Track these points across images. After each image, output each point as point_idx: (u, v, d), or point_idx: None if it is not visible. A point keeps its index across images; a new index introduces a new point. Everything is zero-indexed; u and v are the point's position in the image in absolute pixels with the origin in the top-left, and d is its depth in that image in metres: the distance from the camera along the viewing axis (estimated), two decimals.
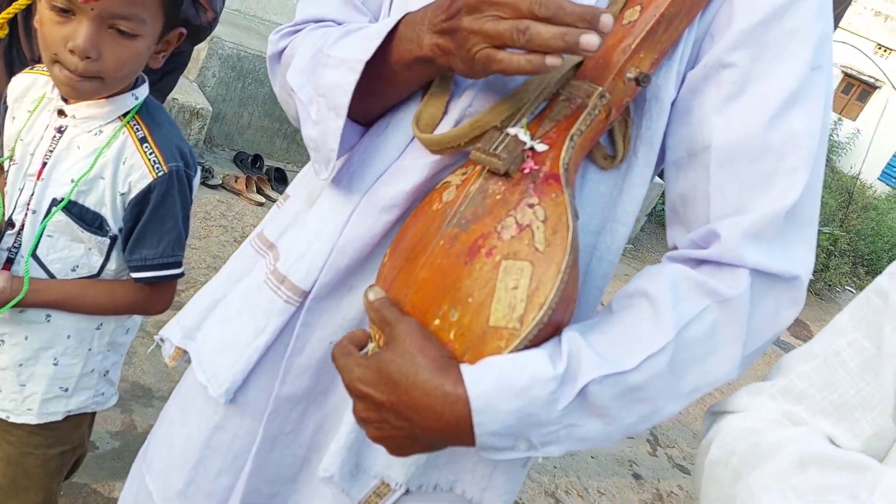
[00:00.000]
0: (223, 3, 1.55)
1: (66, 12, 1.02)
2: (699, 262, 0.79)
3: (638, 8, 0.78)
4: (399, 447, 0.76)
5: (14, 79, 1.24)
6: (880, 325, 0.67)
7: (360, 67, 0.79)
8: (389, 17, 0.93)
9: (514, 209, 0.75)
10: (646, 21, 0.77)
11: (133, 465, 1.09)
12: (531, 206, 0.75)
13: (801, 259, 0.77)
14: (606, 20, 0.66)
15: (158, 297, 1.24)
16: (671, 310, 0.73)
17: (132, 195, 1.15)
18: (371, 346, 0.81)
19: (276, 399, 0.92)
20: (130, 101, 1.15)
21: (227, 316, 0.97)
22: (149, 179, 1.14)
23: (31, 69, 1.23)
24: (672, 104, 0.82)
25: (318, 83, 0.85)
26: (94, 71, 1.05)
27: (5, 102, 1.24)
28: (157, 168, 1.14)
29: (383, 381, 0.72)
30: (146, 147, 1.14)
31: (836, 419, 0.68)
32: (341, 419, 0.91)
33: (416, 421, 0.71)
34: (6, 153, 1.22)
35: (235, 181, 3.89)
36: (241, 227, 3.56)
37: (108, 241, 1.19)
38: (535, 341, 0.71)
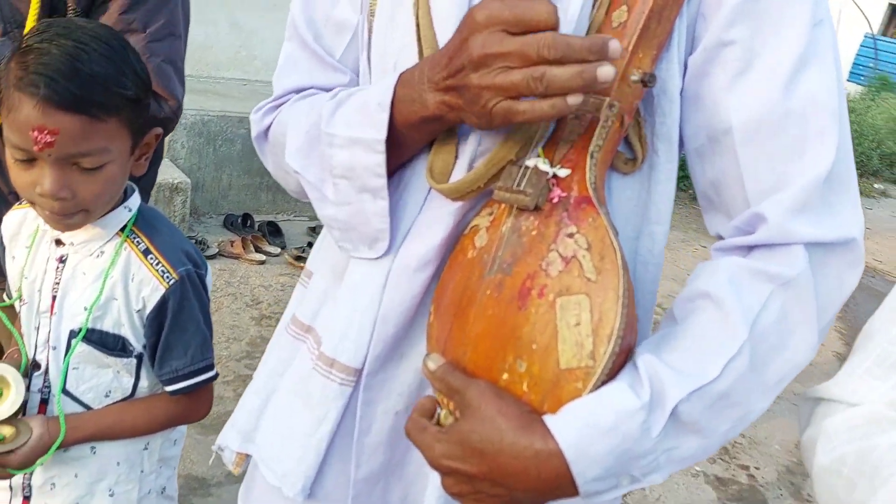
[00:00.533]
0: (184, 88, 1.52)
1: (27, 161, 0.99)
2: (750, 249, 0.76)
3: (624, 8, 0.75)
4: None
5: (5, 217, 1.21)
6: None
7: (381, 147, 0.78)
8: (368, 66, 0.90)
9: (554, 242, 0.72)
10: (636, 20, 0.74)
11: None
12: (571, 235, 0.71)
13: (851, 220, 0.74)
14: (615, 46, 0.64)
15: (197, 404, 1.21)
16: (737, 306, 0.70)
17: (148, 310, 1.12)
18: (442, 412, 0.78)
19: (356, 483, 0.89)
20: (124, 214, 1.12)
21: (282, 411, 0.93)
22: (161, 291, 1.11)
23: (21, 204, 1.20)
24: (680, 93, 0.79)
25: (328, 164, 0.83)
26: (72, 207, 1.02)
27: (1, 242, 1.21)
28: (167, 277, 1.11)
29: (468, 452, 0.69)
30: (151, 258, 1.11)
31: None
32: (426, 484, 0.88)
33: (513, 485, 0.68)
34: (14, 294, 1.19)
35: (231, 245, 3.86)
36: (248, 291, 3.53)
37: (134, 360, 1.16)
38: (612, 374, 0.68)
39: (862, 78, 12.14)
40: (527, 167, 0.75)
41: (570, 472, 0.65)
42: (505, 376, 0.72)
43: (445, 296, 0.81)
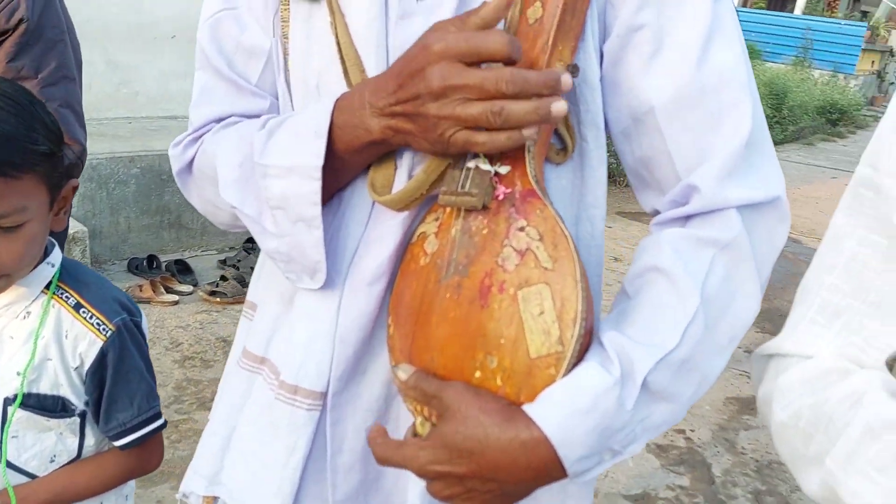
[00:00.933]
0: (85, 131, 1.46)
1: None
2: (686, 219, 0.80)
3: (538, 4, 0.78)
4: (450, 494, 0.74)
5: None
6: (884, 216, 0.70)
7: (318, 174, 0.77)
8: (288, 88, 0.89)
9: (506, 238, 0.74)
10: (552, 14, 0.77)
11: None
12: (521, 229, 0.74)
13: (774, 179, 0.80)
14: (566, 80, 0.68)
15: (149, 454, 1.17)
16: (685, 275, 0.74)
17: (87, 365, 1.07)
18: (418, 420, 0.78)
19: None
20: (48, 270, 1.07)
21: (248, 446, 0.92)
22: (99, 344, 1.07)
23: None
24: (600, 80, 0.83)
25: (265, 195, 0.82)
26: None
27: None
28: (104, 329, 1.07)
29: (455, 454, 0.70)
30: (84, 312, 1.07)
31: (882, 319, 0.70)
32: (405, 495, 0.88)
33: (503, 479, 0.69)
34: None
35: (140, 290, 3.72)
36: (166, 334, 3.41)
37: (77, 419, 1.11)
38: (580, 355, 0.70)
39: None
40: (468, 168, 0.77)
41: (557, 456, 0.67)
42: (477, 374, 0.73)
43: (402, 306, 0.82)
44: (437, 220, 0.81)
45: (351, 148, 0.78)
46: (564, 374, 0.69)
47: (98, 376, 1.08)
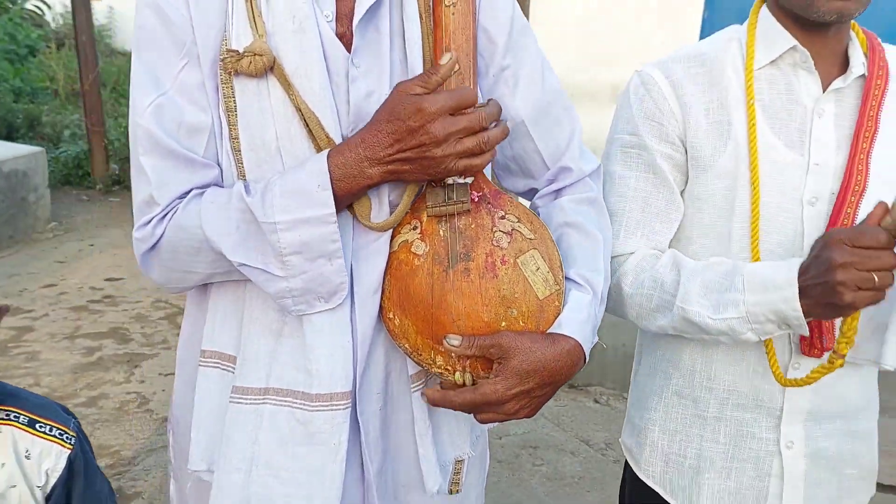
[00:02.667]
0: None
1: None
2: (559, 190, 1.19)
3: (449, 54, 1.07)
4: (540, 406, 1.05)
5: None
6: (650, 162, 1.25)
7: (333, 219, 0.97)
8: (235, 155, 1.03)
9: (494, 226, 1.04)
10: (467, 66, 1.07)
11: None
12: (503, 217, 1.05)
13: (591, 154, 1.24)
14: (500, 107, 1.03)
15: None
16: (587, 223, 1.14)
17: (54, 480, 1.03)
18: (456, 375, 1.04)
19: (375, 478, 1.11)
20: None
21: (284, 464, 1.04)
22: (66, 453, 1.03)
23: None
24: None
25: (275, 248, 0.98)
26: None
27: None
28: (66, 437, 1.04)
29: (525, 376, 0.99)
30: (40, 426, 1.01)
31: (661, 221, 1.24)
32: (413, 447, 1.13)
33: (558, 380, 1.02)
34: None
35: None
36: None
37: None
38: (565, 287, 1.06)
39: None
40: (450, 185, 1.04)
41: (583, 351, 1.03)
42: (503, 324, 1.03)
43: (409, 299, 1.05)
44: (415, 228, 1.06)
45: (349, 193, 0.99)
46: (565, 303, 1.04)
47: (67, 486, 1.04)
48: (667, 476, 1.34)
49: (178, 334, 1.22)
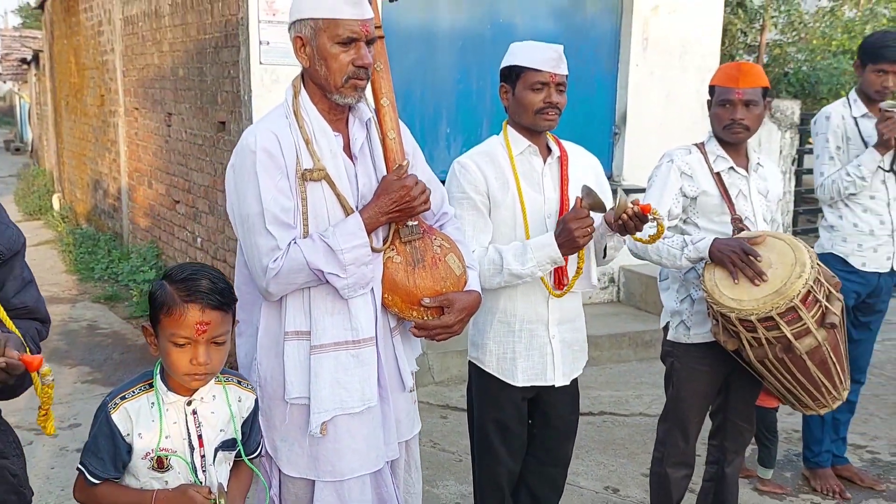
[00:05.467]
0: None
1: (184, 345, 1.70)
2: (444, 224, 2.34)
3: (392, 133, 2.15)
4: (464, 326, 2.18)
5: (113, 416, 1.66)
6: (475, 203, 2.46)
7: (368, 247, 2.02)
8: (305, 220, 2.01)
9: (432, 244, 2.16)
10: (398, 138, 2.16)
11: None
12: (435, 239, 2.17)
13: (449, 206, 2.42)
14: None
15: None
16: (461, 238, 2.31)
17: (244, 415, 1.87)
18: (426, 317, 2.13)
19: (391, 393, 2.15)
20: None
21: (341, 380, 2.04)
22: (253, 398, 1.90)
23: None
24: None
25: (341, 261, 2.00)
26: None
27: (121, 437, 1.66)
28: (251, 387, 1.92)
29: (460, 311, 2.12)
30: (243, 384, 1.88)
31: (486, 234, 2.47)
32: (395, 361, 2.19)
33: (473, 311, 2.18)
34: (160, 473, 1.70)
35: None
36: None
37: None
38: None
39: None
40: (410, 225, 2.12)
41: (480, 296, 2.21)
42: (445, 290, 2.14)
43: (395, 285, 2.11)
44: (392, 249, 2.13)
45: (370, 229, 2.04)
46: (467, 277, 2.20)
47: (252, 419, 1.90)
48: (498, 366, 2.56)
49: None
